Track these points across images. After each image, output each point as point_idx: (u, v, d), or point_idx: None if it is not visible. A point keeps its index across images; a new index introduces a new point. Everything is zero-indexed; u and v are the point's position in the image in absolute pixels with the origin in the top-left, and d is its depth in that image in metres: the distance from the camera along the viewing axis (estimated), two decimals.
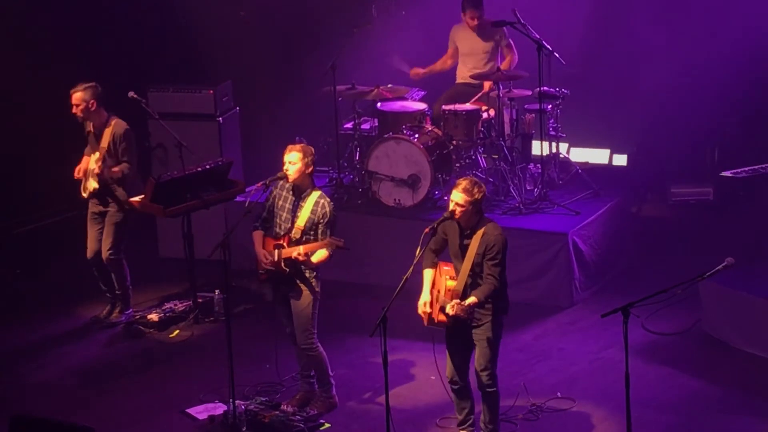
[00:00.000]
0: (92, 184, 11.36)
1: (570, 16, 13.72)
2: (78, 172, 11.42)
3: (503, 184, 12.64)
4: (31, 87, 13.10)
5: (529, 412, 9.82)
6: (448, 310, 8.86)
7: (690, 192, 13.77)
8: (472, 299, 8.80)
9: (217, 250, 9.54)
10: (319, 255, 9.59)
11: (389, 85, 12.85)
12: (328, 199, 9.69)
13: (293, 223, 9.66)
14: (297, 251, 9.51)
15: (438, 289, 9.07)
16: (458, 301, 8.83)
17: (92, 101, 11.24)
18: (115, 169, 11.31)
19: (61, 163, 11.80)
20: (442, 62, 13.31)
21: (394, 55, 13.36)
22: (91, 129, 11.42)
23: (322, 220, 9.61)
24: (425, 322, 9.18)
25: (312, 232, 9.63)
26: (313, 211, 9.62)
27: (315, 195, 9.69)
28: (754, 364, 10.46)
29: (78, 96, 11.22)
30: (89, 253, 11.62)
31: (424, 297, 9.06)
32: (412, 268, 8.96)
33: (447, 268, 9.14)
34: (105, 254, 11.52)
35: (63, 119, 12.07)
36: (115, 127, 11.34)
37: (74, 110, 11.26)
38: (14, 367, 11.05)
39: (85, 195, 11.49)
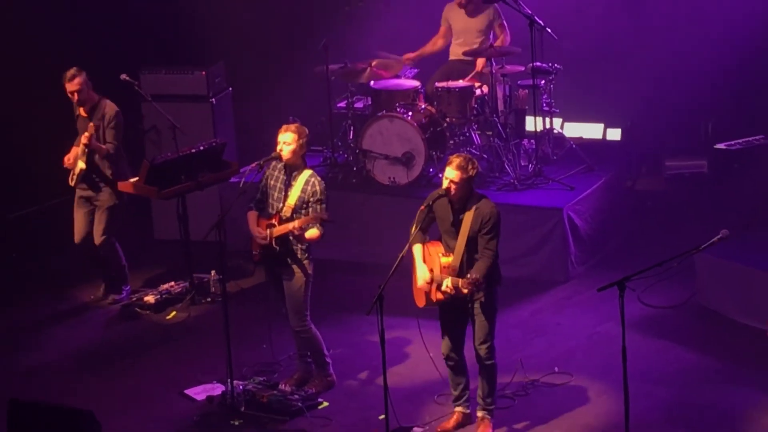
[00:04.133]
0: (80, 165, 11.34)
1: None
2: (68, 161, 11.42)
3: (497, 160, 12.64)
4: (21, 72, 13.07)
5: (527, 387, 9.85)
6: (444, 287, 8.87)
7: (684, 165, 13.77)
8: (474, 275, 8.79)
9: (212, 231, 9.55)
10: (311, 233, 9.59)
11: (381, 56, 12.79)
12: (319, 178, 9.68)
13: (284, 202, 9.67)
14: (292, 225, 9.50)
15: (431, 267, 9.06)
16: (460, 278, 8.83)
17: (88, 83, 11.28)
18: (103, 145, 11.31)
19: (53, 148, 11.78)
20: (432, 43, 13.24)
21: (380, 51, 13.25)
22: (82, 113, 11.42)
23: (312, 198, 9.60)
24: (422, 303, 9.18)
25: (303, 211, 9.62)
26: (303, 190, 9.62)
27: (306, 174, 9.68)
28: (749, 335, 10.48)
29: (78, 81, 11.25)
30: (77, 238, 11.62)
31: (423, 272, 9.06)
32: (408, 246, 8.99)
33: (435, 247, 9.14)
34: (98, 239, 11.53)
35: (55, 105, 12.05)
36: (106, 108, 11.35)
37: (76, 95, 11.28)
38: (11, 352, 11.06)
39: (72, 183, 11.47)
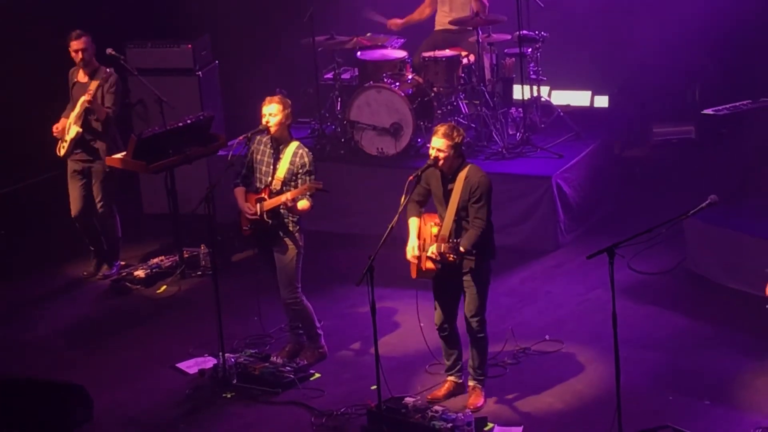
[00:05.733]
0: (75, 130, 11.30)
1: None
2: (56, 130, 11.39)
3: (485, 129, 12.63)
4: (6, 48, 13.01)
5: (518, 356, 9.88)
6: (430, 253, 8.87)
7: (672, 131, 13.77)
8: (458, 241, 8.81)
9: (201, 204, 9.55)
10: (302, 204, 9.57)
11: (368, 34, 12.81)
12: (307, 149, 9.67)
13: (273, 175, 9.65)
14: (285, 197, 9.49)
15: (423, 238, 9.07)
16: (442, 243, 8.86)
17: (92, 46, 11.26)
18: (103, 108, 11.28)
19: (41, 123, 11.74)
20: (419, 12, 13.24)
21: (368, 8, 13.27)
22: (81, 78, 11.36)
23: (300, 170, 9.60)
24: (413, 274, 9.19)
25: (292, 183, 9.61)
26: (291, 162, 9.61)
27: (293, 146, 9.67)
28: (738, 300, 10.51)
29: (84, 39, 11.24)
30: (74, 212, 11.61)
31: (412, 242, 9.07)
32: (397, 216, 8.98)
33: (430, 219, 9.16)
34: (100, 208, 11.54)
35: (41, 79, 11.99)
36: (108, 74, 11.31)
37: (81, 54, 11.22)
38: (2, 328, 11.05)
39: (61, 153, 11.44)
